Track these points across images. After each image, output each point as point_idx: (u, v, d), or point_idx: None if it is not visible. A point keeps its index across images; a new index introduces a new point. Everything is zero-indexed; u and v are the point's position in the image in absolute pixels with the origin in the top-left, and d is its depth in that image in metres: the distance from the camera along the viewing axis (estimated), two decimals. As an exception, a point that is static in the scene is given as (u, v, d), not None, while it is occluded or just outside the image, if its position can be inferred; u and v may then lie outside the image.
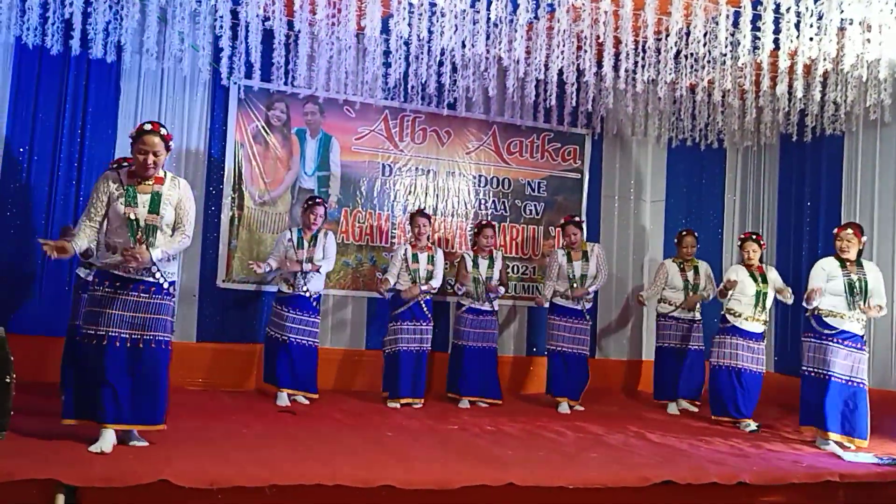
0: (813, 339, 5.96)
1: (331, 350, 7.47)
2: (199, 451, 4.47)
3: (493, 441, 5.47)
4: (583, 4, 5.35)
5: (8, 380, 4.41)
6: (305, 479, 3.99)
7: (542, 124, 8.27)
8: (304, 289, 6.59)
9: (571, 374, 7.18)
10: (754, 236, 6.88)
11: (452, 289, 7.49)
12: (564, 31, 5.76)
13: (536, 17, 5.75)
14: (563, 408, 7.07)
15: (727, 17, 5.26)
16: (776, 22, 5.28)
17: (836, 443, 5.75)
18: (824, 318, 5.90)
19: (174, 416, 5.34)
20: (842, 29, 5.38)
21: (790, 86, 6.19)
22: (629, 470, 4.69)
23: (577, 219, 7.42)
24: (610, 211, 8.79)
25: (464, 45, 6.02)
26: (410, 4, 5.43)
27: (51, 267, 6.77)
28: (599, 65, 6.25)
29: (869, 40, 5.47)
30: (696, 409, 7.46)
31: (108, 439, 4.35)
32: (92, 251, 4.70)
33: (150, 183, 4.47)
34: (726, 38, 5.33)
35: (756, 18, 5.28)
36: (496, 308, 7.30)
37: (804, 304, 5.99)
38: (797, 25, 5.23)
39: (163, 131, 4.45)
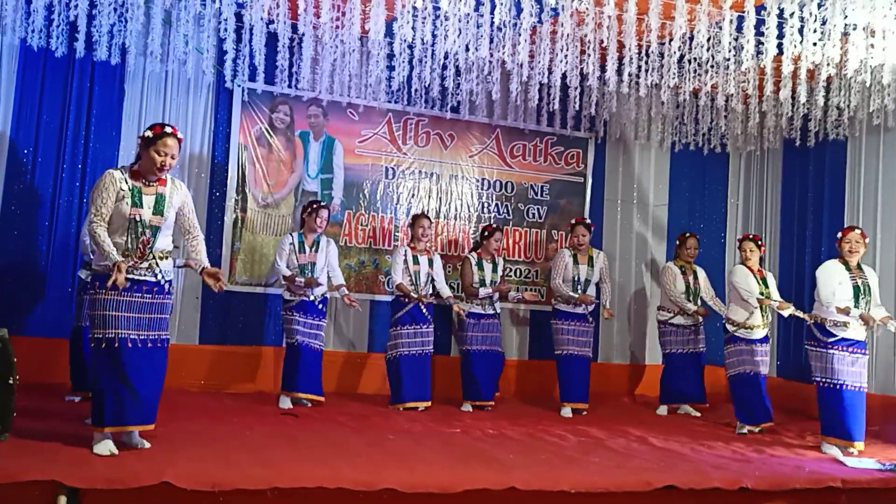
0: (817, 348, 5.88)
1: (333, 353, 7.46)
2: (201, 454, 4.47)
3: (495, 444, 5.46)
4: (587, 9, 5.35)
5: (10, 381, 4.42)
6: (307, 481, 3.99)
7: (545, 128, 8.26)
8: (312, 296, 6.61)
9: (580, 378, 7.16)
10: (752, 236, 6.89)
11: (456, 293, 7.46)
12: (568, 35, 5.76)
13: (540, 21, 5.75)
14: (566, 412, 7.06)
15: (731, 21, 5.26)
16: (780, 27, 5.28)
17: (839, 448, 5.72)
18: (828, 328, 5.82)
19: (176, 418, 5.36)
20: (845, 34, 5.37)
21: (793, 90, 6.19)
22: (631, 474, 4.69)
23: (587, 221, 7.47)
24: (613, 215, 8.79)
25: (467, 49, 6.03)
26: (414, 8, 5.43)
27: (54, 269, 6.80)
28: (603, 69, 6.25)
29: (873, 45, 5.46)
30: (698, 414, 7.45)
31: (112, 441, 4.36)
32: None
33: (155, 184, 4.48)
34: (730, 43, 5.32)
35: (759, 23, 5.28)
36: (498, 311, 7.30)
37: (827, 314, 5.80)
38: (801, 30, 5.23)
39: (179, 135, 4.51)
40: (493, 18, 5.38)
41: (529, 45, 5.70)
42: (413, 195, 8.02)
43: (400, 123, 7.97)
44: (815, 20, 5.16)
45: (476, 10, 5.70)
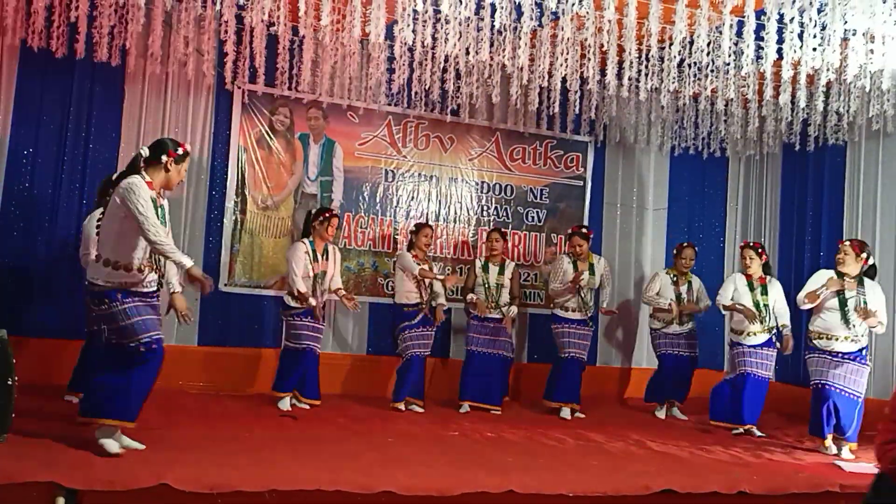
0: (815, 355, 6.02)
1: (332, 355, 7.46)
2: (200, 456, 4.47)
3: (493, 448, 5.46)
4: (587, 13, 5.35)
5: (10, 382, 4.41)
6: (306, 484, 3.99)
7: (544, 131, 8.28)
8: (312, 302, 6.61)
9: (573, 380, 7.16)
10: (752, 244, 6.90)
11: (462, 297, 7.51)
12: (568, 39, 5.76)
13: (540, 25, 5.76)
14: (565, 412, 7.06)
15: (731, 26, 5.26)
16: (780, 32, 5.28)
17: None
18: (814, 341, 5.99)
19: (175, 420, 5.36)
20: (845, 39, 5.38)
21: (793, 95, 6.20)
22: (630, 478, 4.69)
23: (584, 230, 7.36)
24: (612, 219, 8.79)
25: (468, 52, 6.04)
26: (415, 11, 5.43)
27: (53, 270, 6.79)
28: (603, 73, 6.26)
29: (872, 51, 5.47)
30: (685, 418, 7.45)
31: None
32: None
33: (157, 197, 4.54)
34: (730, 48, 5.32)
35: (759, 28, 5.29)
36: (509, 315, 7.31)
37: (799, 304, 6.10)
38: (800, 35, 5.24)
39: None
40: (493, 22, 5.39)
41: (530, 49, 5.70)
42: (413, 198, 8.02)
43: (400, 126, 7.98)
44: (815, 25, 5.16)
45: (476, 13, 5.70)
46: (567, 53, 5.98)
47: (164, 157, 4.47)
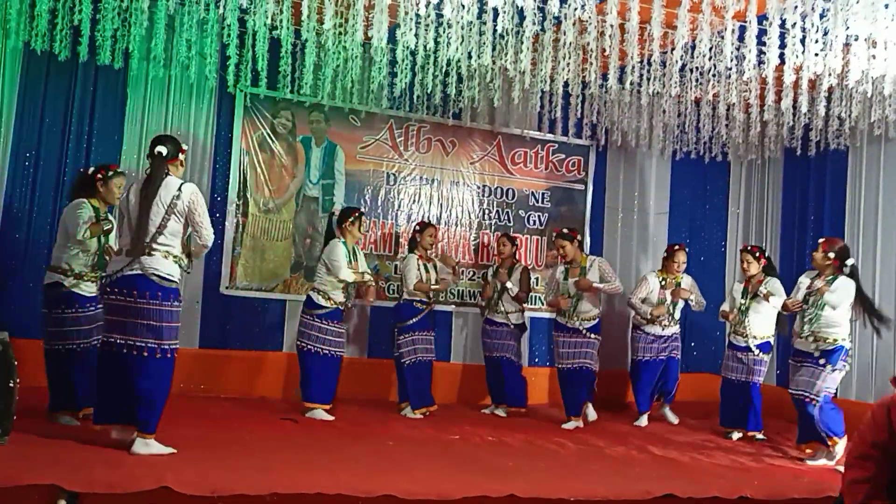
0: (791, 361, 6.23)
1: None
2: (201, 458, 4.48)
3: (494, 452, 5.47)
4: (589, 17, 5.36)
5: (11, 384, 4.42)
6: (307, 487, 4.00)
7: (546, 135, 8.28)
8: (348, 304, 6.68)
9: (572, 389, 7.02)
10: (750, 247, 6.92)
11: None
12: (570, 43, 5.76)
13: (543, 30, 5.77)
14: (569, 424, 6.88)
15: (733, 31, 5.26)
16: (781, 37, 5.28)
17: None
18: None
19: (176, 422, 5.35)
20: (847, 44, 5.38)
21: (795, 100, 6.20)
22: (630, 483, 4.69)
23: (564, 230, 7.13)
24: (613, 223, 8.79)
25: (470, 56, 6.04)
26: (417, 15, 5.44)
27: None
28: (605, 77, 6.27)
29: (874, 56, 5.47)
30: (676, 420, 7.43)
31: None
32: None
33: None
34: (732, 53, 5.33)
35: (761, 33, 5.29)
36: (517, 322, 7.32)
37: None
38: (802, 41, 5.24)
39: None
40: (496, 26, 5.40)
41: (532, 53, 5.71)
42: (414, 201, 8.03)
43: (402, 130, 7.98)
44: (817, 30, 5.17)
45: (479, 17, 5.71)
46: (569, 57, 5.97)
47: (180, 154, 4.80)
